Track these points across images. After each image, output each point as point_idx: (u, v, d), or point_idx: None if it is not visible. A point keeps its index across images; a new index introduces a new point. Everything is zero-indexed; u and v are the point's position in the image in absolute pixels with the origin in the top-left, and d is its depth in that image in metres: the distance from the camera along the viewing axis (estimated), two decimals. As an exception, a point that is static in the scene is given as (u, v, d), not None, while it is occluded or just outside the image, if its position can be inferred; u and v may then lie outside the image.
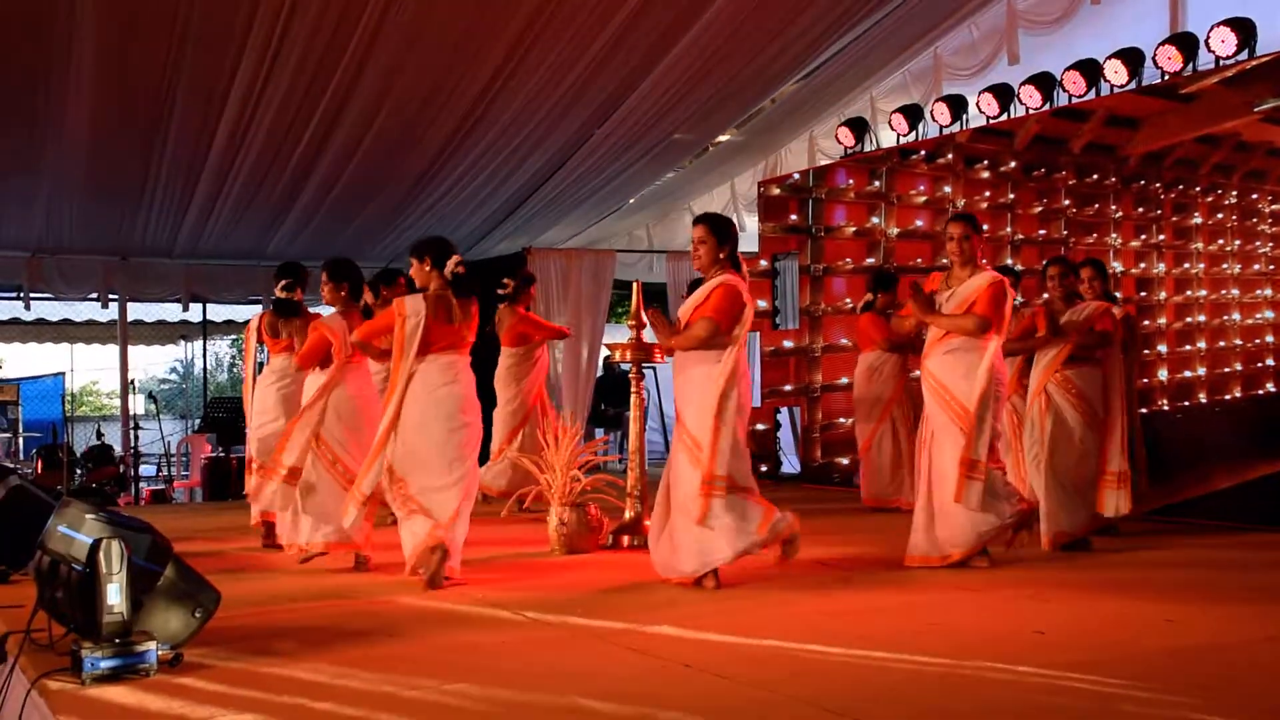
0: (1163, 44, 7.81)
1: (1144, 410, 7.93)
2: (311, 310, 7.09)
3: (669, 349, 5.80)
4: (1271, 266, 7.62)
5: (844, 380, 10.16)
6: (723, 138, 11.04)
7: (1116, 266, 8.41)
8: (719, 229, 5.60)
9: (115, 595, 3.81)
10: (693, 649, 4.24)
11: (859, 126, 10.42)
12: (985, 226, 6.21)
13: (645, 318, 7.30)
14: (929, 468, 6.01)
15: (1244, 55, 7.43)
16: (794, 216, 11.14)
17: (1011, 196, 9.35)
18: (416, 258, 5.74)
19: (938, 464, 5.96)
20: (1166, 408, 8.16)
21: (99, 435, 12.43)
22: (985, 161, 9.59)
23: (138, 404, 13.83)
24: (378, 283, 7.96)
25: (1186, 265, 8.24)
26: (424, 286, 5.74)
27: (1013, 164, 9.34)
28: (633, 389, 7.20)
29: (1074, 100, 8.53)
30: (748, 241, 12.32)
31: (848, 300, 10.61)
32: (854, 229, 10.76)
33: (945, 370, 5.95)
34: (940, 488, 5.93)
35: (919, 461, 6.13)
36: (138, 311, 14.37)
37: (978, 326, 5.88)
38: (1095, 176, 8.76)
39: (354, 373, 6.33)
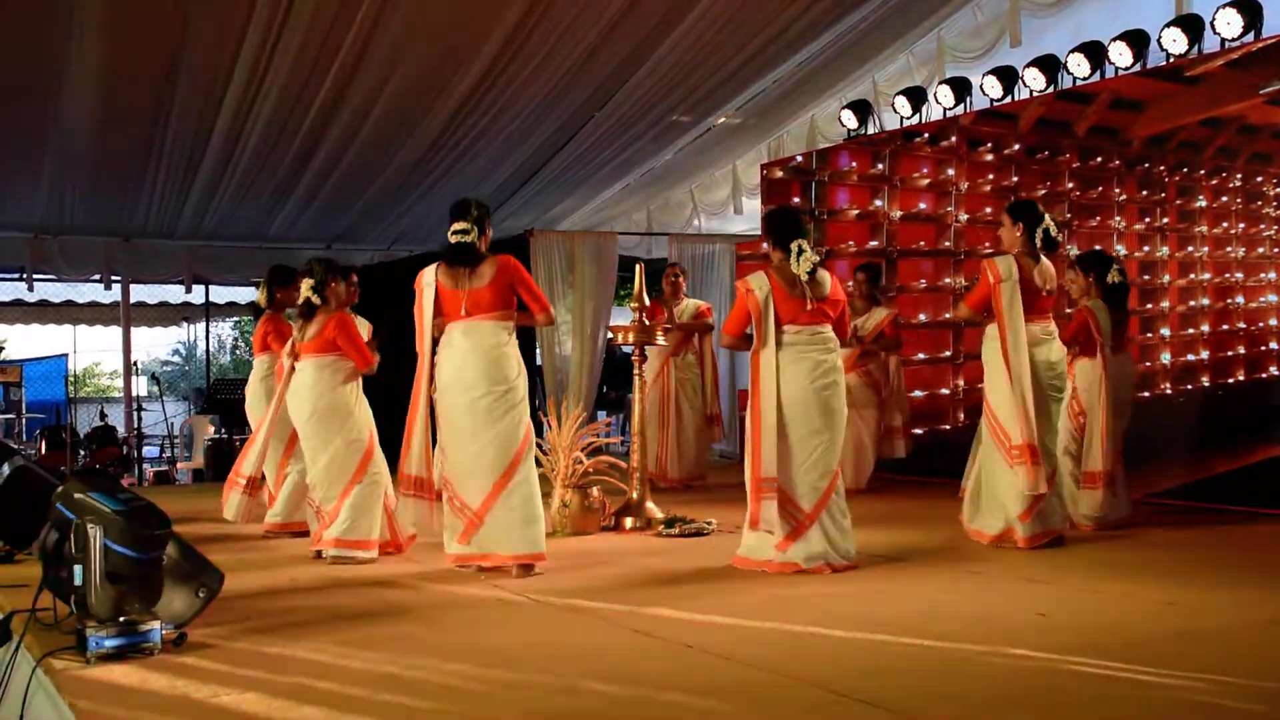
0: (1168, 26, 7.77)
1: (1146, 394, 7.94)
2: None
3: None
4: (1276, 250, 7.60)
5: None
6: (722, 119, 11.01)
7: (1120, 250, 8.39)
8: (767, 225, 5.81)
9: (79, 576, 3.84)
10: (694, 630, 4.25)
11: (862, 109, 10.39)
12: (1051, 217, 6.25)
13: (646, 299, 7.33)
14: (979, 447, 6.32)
15: (1249, 37, 7.40)
16: (796, 199, 11.11)
17: (1015, 179, 9.32)
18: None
19: (985, 446, 6.22)
20: (1169, 391, 8.15)
21: (102, 416, 12.47)
22: (989, 144, 9.56)
23: (140, 385, 13.85)
24: (271, 284, 7.40)
25: (1190, 249, 8.22)
26: None
27: (1016, 147, 9.31)
28: (635, 371, 7.21)
29: (1078, 83, 8.50)
30: (750, 223, 12.33)
31: (849, 284, 10.58)
32: (857, 212, 10.74)
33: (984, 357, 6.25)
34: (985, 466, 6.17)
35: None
36: (140, 293, 14.38)
37: (962, 313, 6.38)
38: (1099, 159, 8.73)
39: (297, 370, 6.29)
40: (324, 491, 6.03)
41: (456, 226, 5.53)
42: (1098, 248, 7.81)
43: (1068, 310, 7.30)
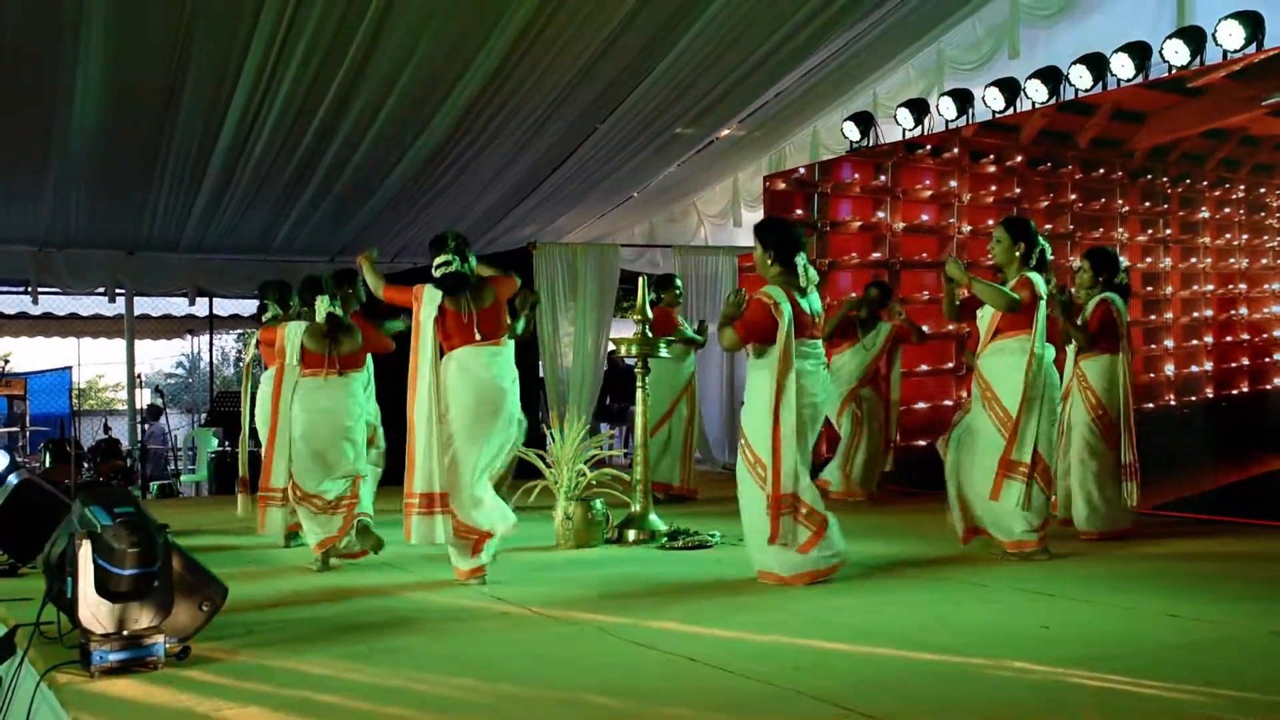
0: (1170, 37, 7.79)
1: (1150, 405, 7.93)
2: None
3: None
4: (1279, 261, 7.61)
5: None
6: (725, 131, 11.04)
7: (1123, 261, 8.39)
8: (759, 234, 5.65)
9: (69, 591, 3.85)
10: (696, 644, 4.25)
11: (864, 121, 10.41)
12: (1042, 233, 6.28)
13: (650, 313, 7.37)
14: (957, 461, 6.20)
15: (1252, 49, 7.41)
16: (799, 211, 11.13)
17: (1017, 191, 9.33)
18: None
19: (966, 461, 6.14)
20: (1173, 403, 8.15)
21: (106, 429, 12.48)
22: (991, 156, 9.57)
23: (144, 398, 13.86)
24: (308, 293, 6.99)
25: (1193, 260, 8.22)
26: None
27: (1019, 158, 9.32)
28: (638, 383, 7.21)
29: (1080, 94, 8.51)
30: (749, 236, 12.34)
31: (853, 295, 10.60)
32: (859, 223, 10.76)
33: (991, 370, 6.06)
34: (970, 482, 6.11)
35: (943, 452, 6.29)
36: (144, 306, 14.37)
37: (1008, 302, 5.95)
38: (1101, 171, 8.74)
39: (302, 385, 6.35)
40: (338, 490, 6.21)
41: (439, 259, 5.63)
42: (1104, 247, 7.81)
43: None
